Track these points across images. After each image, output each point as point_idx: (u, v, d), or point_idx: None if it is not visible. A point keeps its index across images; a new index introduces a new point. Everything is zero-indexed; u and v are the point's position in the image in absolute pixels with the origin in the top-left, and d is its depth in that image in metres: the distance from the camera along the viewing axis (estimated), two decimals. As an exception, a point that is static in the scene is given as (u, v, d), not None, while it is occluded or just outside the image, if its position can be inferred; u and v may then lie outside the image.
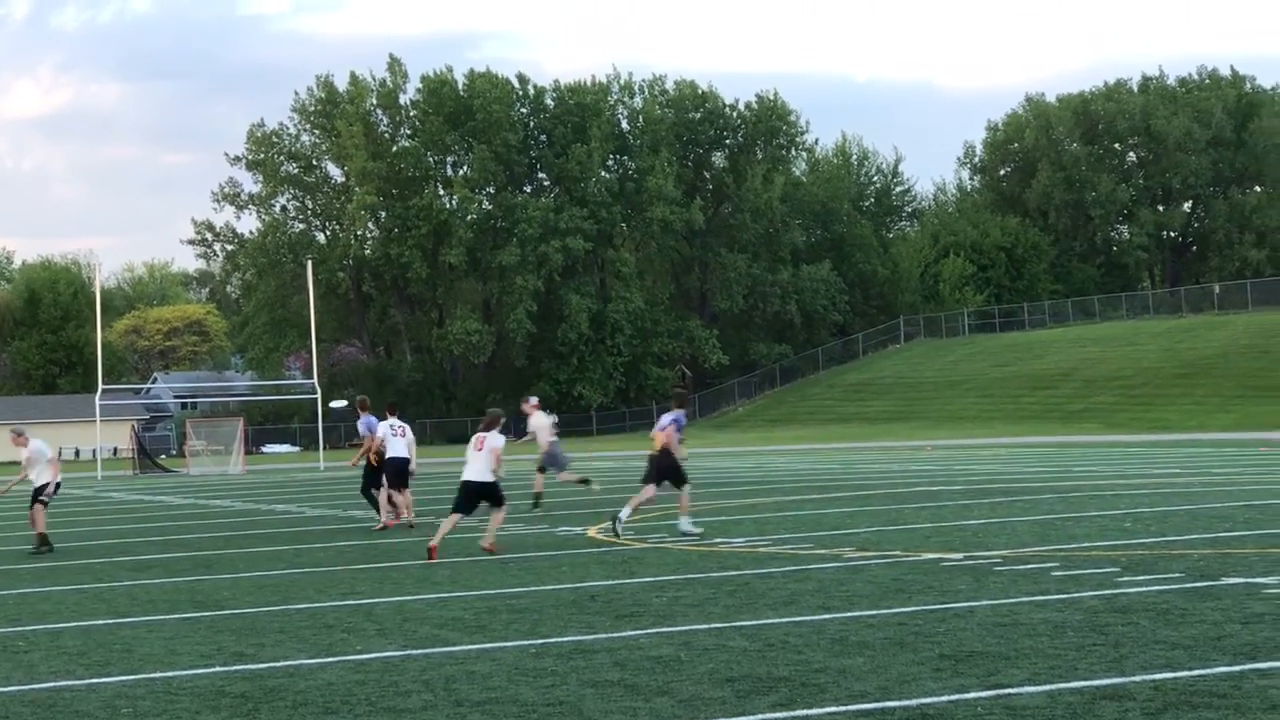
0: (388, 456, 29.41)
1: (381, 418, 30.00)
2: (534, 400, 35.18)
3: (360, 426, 31.22)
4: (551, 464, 33.60)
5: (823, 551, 21.37)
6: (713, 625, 14.72)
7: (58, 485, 27.24)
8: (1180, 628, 13.55)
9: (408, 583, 19.66)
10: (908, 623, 14.42)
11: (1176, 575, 17.31)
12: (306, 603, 17.89)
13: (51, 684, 12.92)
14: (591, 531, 26.36)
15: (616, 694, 11.50)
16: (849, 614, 15.16)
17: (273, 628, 15.80)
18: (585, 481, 34.01)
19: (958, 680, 11.49)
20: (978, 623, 14.25)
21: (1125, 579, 17.13)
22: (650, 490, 25.51)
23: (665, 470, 25.41)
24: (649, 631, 14.47)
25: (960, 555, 20.12)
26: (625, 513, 25.11)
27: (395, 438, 29.63)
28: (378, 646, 14.20)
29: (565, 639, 14.18)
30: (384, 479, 29.47)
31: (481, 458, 24.06)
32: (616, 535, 24.53)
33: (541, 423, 33.38)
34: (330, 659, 13.57)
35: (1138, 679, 11.32)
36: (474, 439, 24.41)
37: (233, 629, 15.84)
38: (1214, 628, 13.51)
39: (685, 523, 24.95)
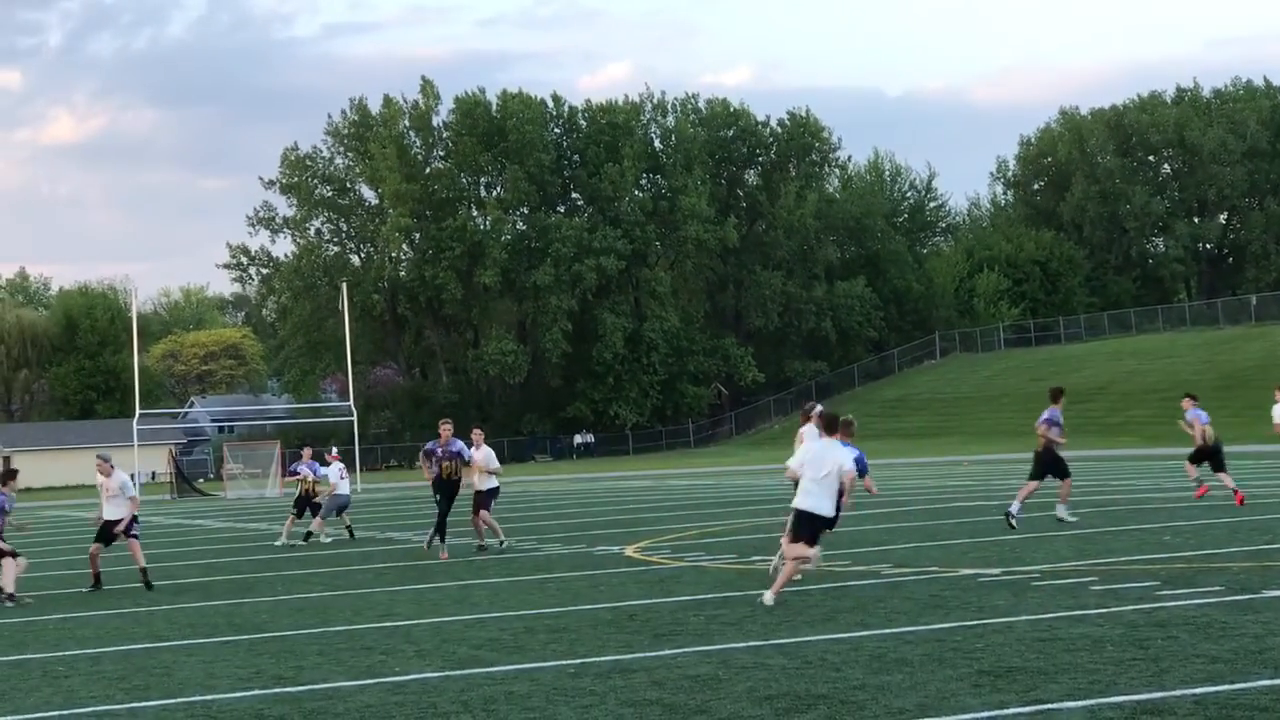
0: (480, 489, 29.25)
1: (468, 443, 29.72)
2: (334, 451, 38.33)
3: (303, 469, 33.68)
4: (331, 510, 34.42)
5: (860, 568, 21.33)
6: (751, 643, 14.71)
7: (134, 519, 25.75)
8: (1221, 641, 13.49)
9: (445, 604, 19.67)
10: (946, 639, 14.39)
11: (1216, 589, 17.23)
12: (345, 625, 17.92)
13: (92, 708, 12.96)
14: (629, 550, 26.33)
15: (655, 713, 11.50)
16: (887, 630, 15.13)
17: (311, 650, 15.83)
18: (310, 537, 33.85)
19: (997, 696, 11.45)
20: (1016, 638, 14.21)
21: (1165, 593, 17.07)
22: (1032, 485, 27.79)
23: (1049, 464, 27.58)
24: (687, 650, 14.46)
25: (998, 570, 20.07)
26: (1015, 507, 27.22)
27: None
28: (416, 668, 14.22)
29: (603, 659, 14.18)
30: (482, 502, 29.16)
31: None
32: (1012, 527, 26.55)
33: (334, 475, 34.84)
34: (369, 681, 13.59)
35: (1178, 693, 11.27)
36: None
37: (271, 652, 15.87)
38: (1255, 641, 13.45)
39: (1062, 510, 27.77)
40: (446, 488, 28.00)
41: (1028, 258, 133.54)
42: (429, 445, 28.55)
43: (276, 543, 32.82)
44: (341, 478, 34.52)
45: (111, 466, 25.24)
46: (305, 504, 34.54)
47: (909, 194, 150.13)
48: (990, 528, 27.68)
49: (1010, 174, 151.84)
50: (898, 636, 14.68)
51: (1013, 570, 20.01)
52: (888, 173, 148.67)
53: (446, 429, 28.40)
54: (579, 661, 14.07)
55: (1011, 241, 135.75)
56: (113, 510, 25.05)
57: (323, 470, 34.96)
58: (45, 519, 57.88)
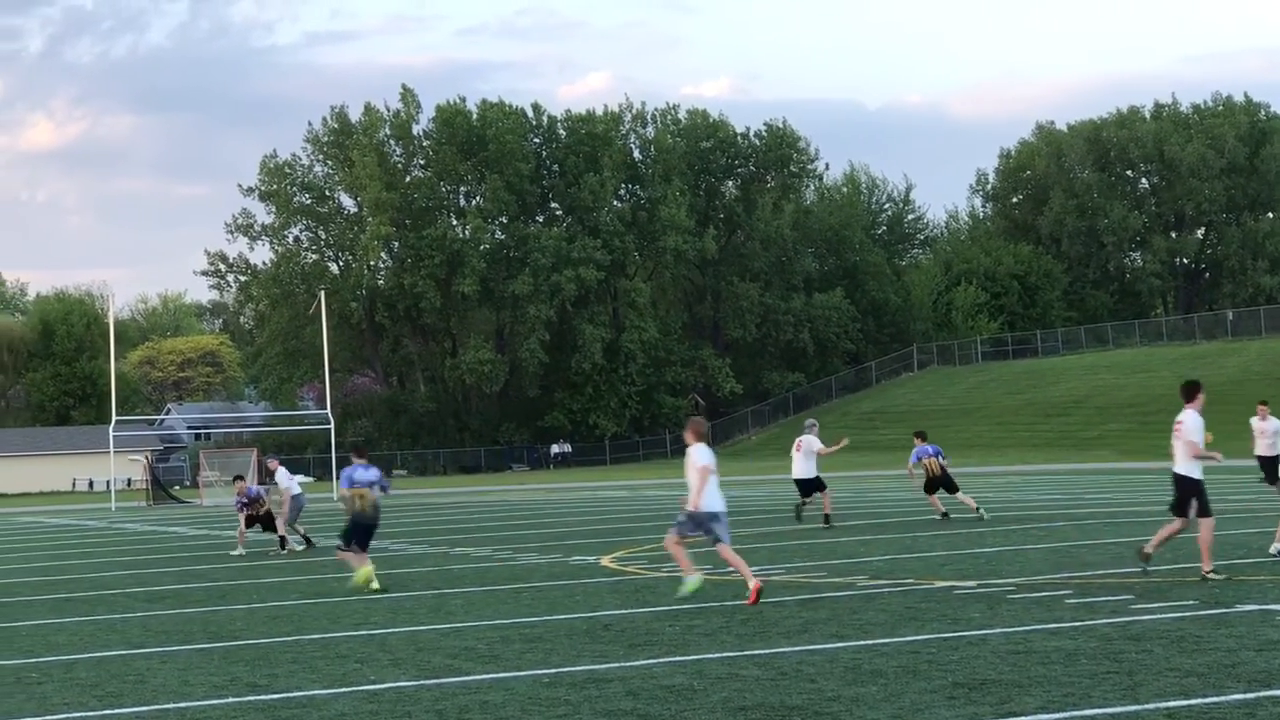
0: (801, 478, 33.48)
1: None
2: (274, 460, 38.16)
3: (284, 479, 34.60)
4: (296, 514, 34.44)
5: (836, 580, 21.33)
6: (726, 654, 14.71)
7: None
8: (1194, 655, 13.52)
9: (421, 612, 19.65)
10: (921, 650, 14.40)
11: (1191, 603, 17.27)
12: (320, 633, 17.89)
13: (65, 715, 12.93)
14: (605, 560, 26.33)
15: (629, 723, 11.50)
16: (862, 642, 15.14)
17: (286, 658, 15.80)
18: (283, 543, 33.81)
19: (971, 708, 11.47)
20: (991, 650, 14.23)
21: (1139, 606, 17.09)
22: None
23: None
24: (662, 660, 14.46)
25: (973, 583, 20.09)
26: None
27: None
28: (391, 677, 14.20)
29: (578, 668, 14.18)
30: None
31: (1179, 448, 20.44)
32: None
33: (285, 480, 34.89)
34: (344, 689, 13.57)
35: (1151, 707, 11.29)
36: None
37: (246, 660, 15.84)
38: (1228, 655, 13.48)
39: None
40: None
41: (1006, 271, 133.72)
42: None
43: (233, 553, 32.71)
44: (289, 479, 34.43)
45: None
46: (256, 520, 34.31)
47: (887, 206, 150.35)
48: (966, 540, 27.70)
49: (989, 187, 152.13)
50: (873, 648, 14.69)
51: (988, 583, 20.03)
52: (864, 185, 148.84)
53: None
54: (554, 671, 14.06)
55: (989, 255, 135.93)
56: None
57: (275, 483, 34.71)
58: (19, 525, 57.75)
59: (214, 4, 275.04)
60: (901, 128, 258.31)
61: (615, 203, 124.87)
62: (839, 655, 14.32)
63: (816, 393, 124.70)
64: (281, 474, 34.72)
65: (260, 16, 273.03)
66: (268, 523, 33.97)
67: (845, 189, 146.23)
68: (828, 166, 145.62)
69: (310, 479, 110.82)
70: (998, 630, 15.62)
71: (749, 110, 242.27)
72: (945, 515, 34.20)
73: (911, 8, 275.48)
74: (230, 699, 13.33)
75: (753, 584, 19.02)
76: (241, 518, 34.39)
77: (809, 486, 33.88)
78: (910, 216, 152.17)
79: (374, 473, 23.43)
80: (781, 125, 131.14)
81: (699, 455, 19.49)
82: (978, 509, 33.68)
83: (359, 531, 23.17)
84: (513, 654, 15.39)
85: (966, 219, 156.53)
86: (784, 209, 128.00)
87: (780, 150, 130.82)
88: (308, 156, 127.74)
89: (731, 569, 20.04)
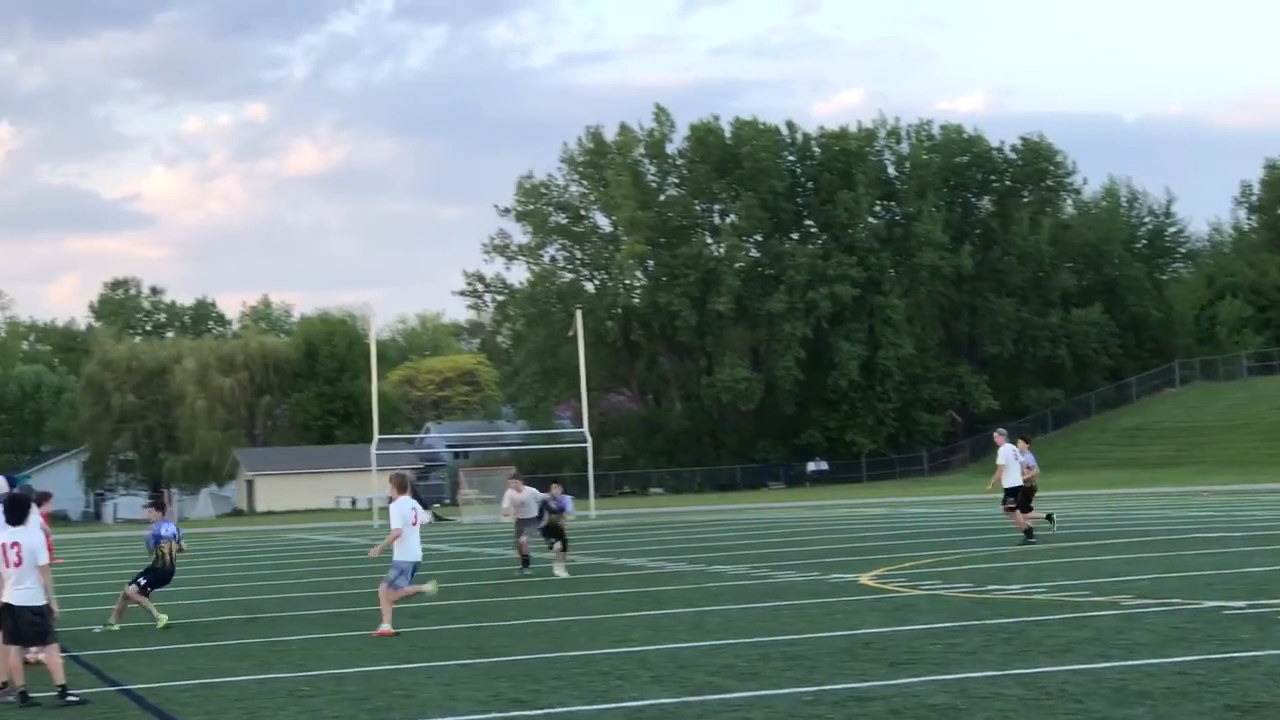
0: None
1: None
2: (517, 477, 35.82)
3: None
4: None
5: (1100, 599, 21.01)
6: (989, 673, 14.56)
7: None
8: None
9: (681, 630, 19.72)
10: (1189, 672, 14.12)
11: None
12: (580, 650, 18.03)
13: (335, 728, 13.20)
14: (864, 578, 26.20)
15: (893, 742, 11.43)
16: (1128, 663, 14.89)
17: (548, 674, 15.96)
18: (526, 562, 33.31)
19: (1244, 731, 11.22)
20: (1264, 673, 13.90)
21: None
22: None
23: None
24: (924, 679, 14.36)
25: (1243, 603, 19.64)
26: None
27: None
28: (652, 694, 14.26)
29: (839, 686, 14.13)
30: None
31: None
32: None
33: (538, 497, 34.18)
34: (606, 705, 13.67)
35: None
36: None
37: (509, 675, 16.03)
38: None
39: None
40: None
41: (1272, 284, 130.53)
42: None
43: (560, 574, 31.79)
44: (535, 498, 34.34)
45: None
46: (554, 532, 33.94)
47: (1147, 219, 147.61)
48: (1235, 559, 27.10)
49: (1254, 198, 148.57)
50: (1139, 669, 14.44)
51: (1258, 603, 19.57)
52: (1124, 198, 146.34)
53: None
54: (815, 689, 14.03)
55: (1254, 267, 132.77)
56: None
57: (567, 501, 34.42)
58: (288, 541, 59.07)
59: (472, 28, 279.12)
60: (1161, 139, 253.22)
61: (870, 219, 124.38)
62: (1104, 676, 14.10)
63: (1075, 409, 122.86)
64: (529, 492, 34.56)
65: (516, 40, 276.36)
66: (558, 534, 33.08)
67: (1104, 202, 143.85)
68: (1085, 180, 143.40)
69: (569, 497, 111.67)
70: (1270, 652, 15.26)
71: (1004, 124, 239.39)
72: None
73: (1170, 17, 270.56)
74: (494, 714, 13.51)
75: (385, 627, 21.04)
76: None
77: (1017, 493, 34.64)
78: (1171, 229, 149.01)
79: (174, 528, 25.55)
80: (1038, 139, 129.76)
81: (405, 510, 22.12)
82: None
83: (159, 578, 25.10)
84: (773, 671, 15.39)
85: (1230, 231, 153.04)
86: (1041, 223, 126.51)
87: (1037, 164, 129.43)
88: (563, 177, 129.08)
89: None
